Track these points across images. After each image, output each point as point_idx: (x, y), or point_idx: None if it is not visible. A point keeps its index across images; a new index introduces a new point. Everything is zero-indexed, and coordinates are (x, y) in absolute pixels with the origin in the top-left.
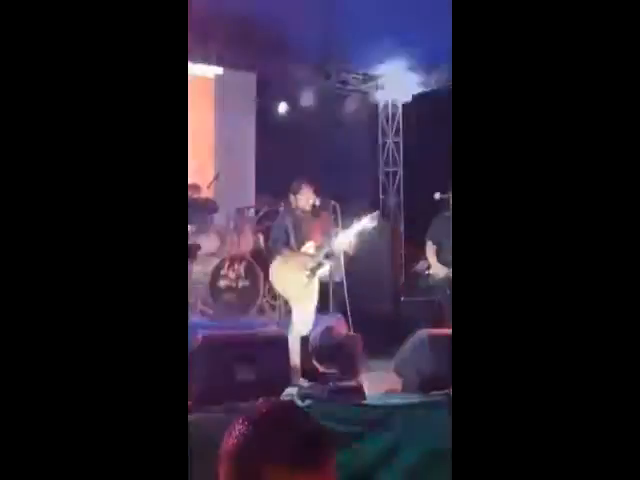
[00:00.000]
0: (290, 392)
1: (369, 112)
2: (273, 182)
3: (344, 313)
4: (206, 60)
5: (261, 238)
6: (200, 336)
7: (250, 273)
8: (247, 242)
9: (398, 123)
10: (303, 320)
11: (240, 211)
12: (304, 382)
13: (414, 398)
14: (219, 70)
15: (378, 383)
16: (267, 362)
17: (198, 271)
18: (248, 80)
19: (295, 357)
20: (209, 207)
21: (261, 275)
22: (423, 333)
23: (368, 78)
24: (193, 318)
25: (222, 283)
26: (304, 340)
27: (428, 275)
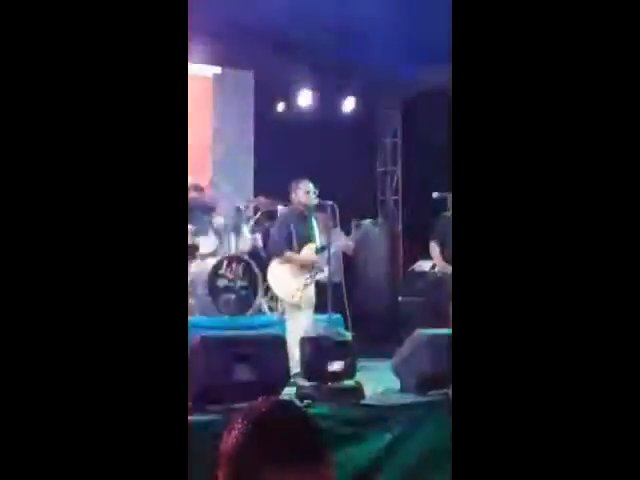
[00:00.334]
0: (289, 392)
1: (367, 111)
2: (271, 182)
3: (342, 313)
4: (204, 59)
5: (259, 238)
6: (199, 336)
7: (248, 273)
8: (245, 242)
9: (397, 122)
10: (301, 321)
11: (238, 211)
12: (303, 382)
13: (413, 398)
14: (217, 69)
15: (377, 383)
16: (266, 362)
17: (196, 271)
18: (246, 79)
19: (294, 357)
20: (207, 207)
21: (259, 275)
22: (421, 333)
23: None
24: (191, 318)
25: (220, 283)
26: (303, 340)
27: (435, 274)
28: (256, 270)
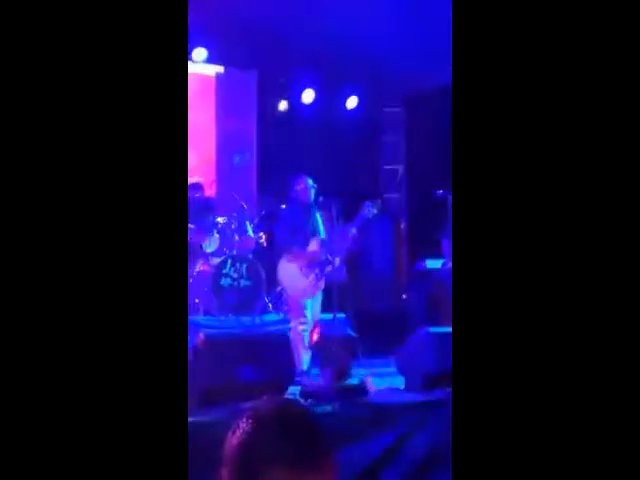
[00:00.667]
0: (293, 391)
1: (370, 109)
2: (275, 180)
3: (346, 311)
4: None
5: (263, 237)
6: (202, 335)
7: (252, 272)
8: (249, 241)
9: (400, 120)
10: (307, 318)
11: (242, 210)
12: (307, 381)
13: (417, 396)
14: (220, 68)
15: (380, 381)
16: (269, 361)
17: (200, 270)
18: (249, 78)
19: (298, 355)
20: (210, 206)
21: (263, 274)
22: (426, 331)
23: (370, 75)
24: (195, 317)
25: (224, 282)
26: (308, 338)
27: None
28: (260, 269)
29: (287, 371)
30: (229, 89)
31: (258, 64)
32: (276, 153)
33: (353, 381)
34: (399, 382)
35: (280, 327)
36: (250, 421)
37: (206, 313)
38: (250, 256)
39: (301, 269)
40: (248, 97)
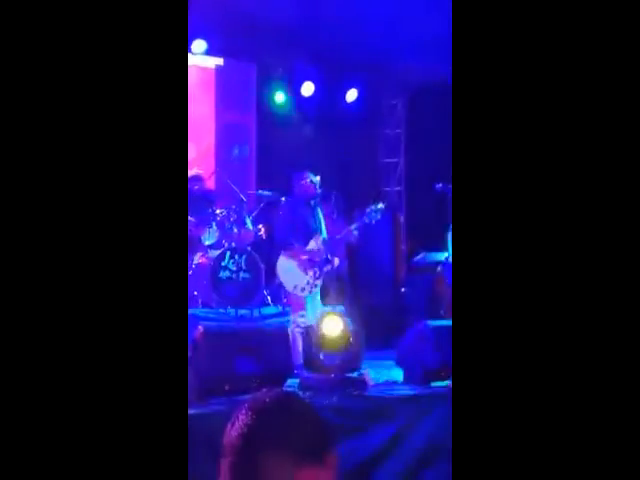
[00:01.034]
0: (291, 384)
1: (370, 102)
2: (274, 173)
3: (346, 304)
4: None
5: (262, 230)
6: (201, 328)
7: (251, 265)
8: (248, 234)
9: (399, 113)
10: (307, 312)
11: (241, 202)
12: (306, 373)
13: (416, 389)
14: (219, 60)
15: (380, 374)
16: (268, 354)
17: (199, 263)
18: (249, 70)
19: (298, 349)
20: (210, 198)
21: (262, 267)
22: (425, 324)
23: (370, 68)
24: (194, 310)
25: (223, 275)
26: (307, 331)
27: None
28: (259, 262)
29: (286, 364)
30: (228, 81)
31: (258, 56)
32: (275, 145)
33: (352, 374)
34: (398, 375)
35: (279, 320)
36: (250, 412)
37: (205, 306)
38: (249, 249)
39: (300, 267)
40: (247, 89)
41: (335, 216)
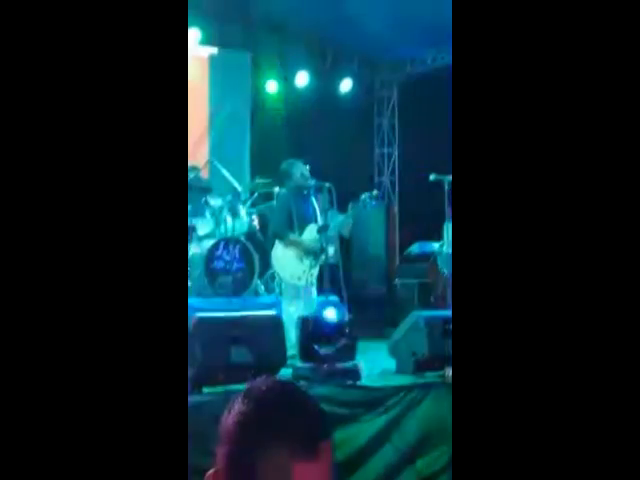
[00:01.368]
0: (285, 373)
1: (364, 93)
2: (268, 163)
3: (340, 295)
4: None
5: (256, 220)
6: (195, 318)
7: (245, 255)
8: (242, 224)
9: (394, 104)
10: (301, 302)
11: (235, 192)
12: (300, 363)
13: (409, 379)
14: (214, 49)
15: (373, 365)
16: (262, 344)
17: (193, 253)
18: (243, 59)
19: (292, 338)
20: (204, 188)
21: (256, 257)
22: (418, 314)
23: (364, 59)
24: (188, 300)
25: (217, 265)
26: (302, 321)
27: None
28: (253, 252)
29: (279, 353)
30: (223, 70)
31: (252, 45)
32: (269, 135)
33: (345, 364)
34: (391, 365)
35: (272, 309)
36: (246, 400)
37: (198, 295)
38: (242, 239)
39: (296, 256)
40: (242, 78)
41: (329, 206)
